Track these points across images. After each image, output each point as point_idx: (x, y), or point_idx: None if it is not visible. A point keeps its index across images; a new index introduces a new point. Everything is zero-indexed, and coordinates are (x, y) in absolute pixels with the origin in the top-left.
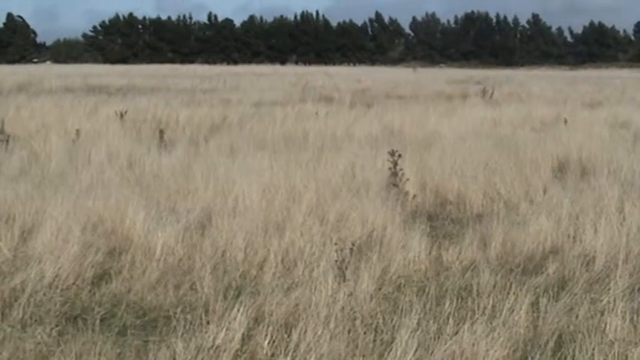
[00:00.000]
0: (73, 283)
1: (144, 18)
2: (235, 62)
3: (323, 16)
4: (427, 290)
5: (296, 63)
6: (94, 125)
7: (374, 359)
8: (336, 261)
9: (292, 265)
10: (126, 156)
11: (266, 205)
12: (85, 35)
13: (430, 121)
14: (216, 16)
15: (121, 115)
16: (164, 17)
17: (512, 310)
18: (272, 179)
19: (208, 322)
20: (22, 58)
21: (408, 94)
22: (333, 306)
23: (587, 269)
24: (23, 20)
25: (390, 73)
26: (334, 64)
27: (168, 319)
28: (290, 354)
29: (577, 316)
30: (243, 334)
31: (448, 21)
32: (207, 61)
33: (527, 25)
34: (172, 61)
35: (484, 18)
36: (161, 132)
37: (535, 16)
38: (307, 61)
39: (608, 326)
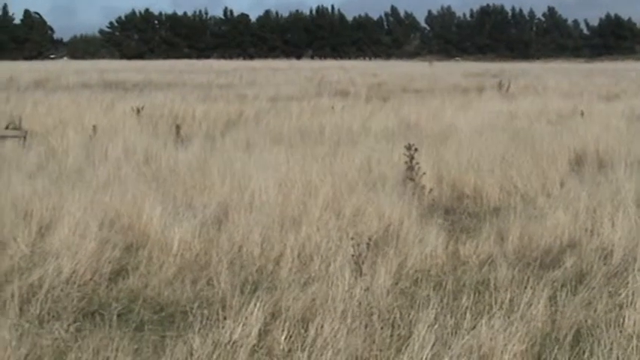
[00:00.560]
0: (91, 279)
1: (160, 13)
2: (251, 57)
3: (338, 10)
4: (444, 285)
5: (312, 57)
6: (110, 121)
7: (391, 354)
8: (353, 255)
9: (309, 259)
10: (142, 151)
11: (282, 199)
12: (101, 31)
13: (446, 115)
14: (231, 11)
15: (138, 111)
16: (180, 13)
17: (530, 305)
18: (288, 174)
19: (225, 318)
20: (39, 54)
21: (424, 87)
22: (349, 301)
23: (605, 263)
24: (40, 17)
25: (406, 66)
26: (350, 58)
27: (185, 315)
28: (307, 349)
29: (595, 310)
30: (259, 329)
31: (464, 14)
32: (223, 56)
33: (542, 18)
34: (188, 56)
35: (500, 11)
36: (177, 127)
37: (551, 9)
38: (323, 56)
39: (626, 320)
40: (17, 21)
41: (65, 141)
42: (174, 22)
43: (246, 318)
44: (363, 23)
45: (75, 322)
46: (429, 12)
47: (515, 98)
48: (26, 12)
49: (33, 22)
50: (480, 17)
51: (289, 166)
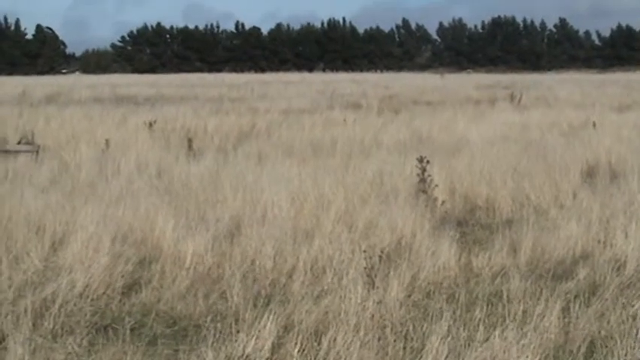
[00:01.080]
0: (104, 293)
1: (171, 27)
2: (263, 70)
3: (350, 23)
4: (457, 297)
5: (323, 70)
6: (123, 135)
7: None
8: (365, 268)
9: (321, 272)
10: (155, 165)
11: (295, 213)
12: (113, 45)
13: (458, 127)
14: (243, 25)
15: (150, 125)
16: (192, 26)
17: (543, 316)
18: (300, 187)
19: (238, 331)
20: (51, 69)
21: (435, 99)
22: (362, 314)
23: (618, 274)
24: (52, 32)
25: (418, 79)
26: (361, 70)
27: (199, 328)
28: None
29: (608, 322)
30: (273, 343)
31: (475, 26)
32: (234, 70)
33: (554, 29)
34: (200, 70)
35: (511, 22)
36: (189, 141)
37: (562, 20)
38: (334, 69)
39: None
40: (29, 36)
41: (78, 155)
42: (185, 36)
43: (259, 331)
44: (374, 36)
45: (88, 336)
46: (441, 24)
47: (527, 110)
48: (38, 27)
49: (45, 37)
50: (491, 29)
51: (301, 179)
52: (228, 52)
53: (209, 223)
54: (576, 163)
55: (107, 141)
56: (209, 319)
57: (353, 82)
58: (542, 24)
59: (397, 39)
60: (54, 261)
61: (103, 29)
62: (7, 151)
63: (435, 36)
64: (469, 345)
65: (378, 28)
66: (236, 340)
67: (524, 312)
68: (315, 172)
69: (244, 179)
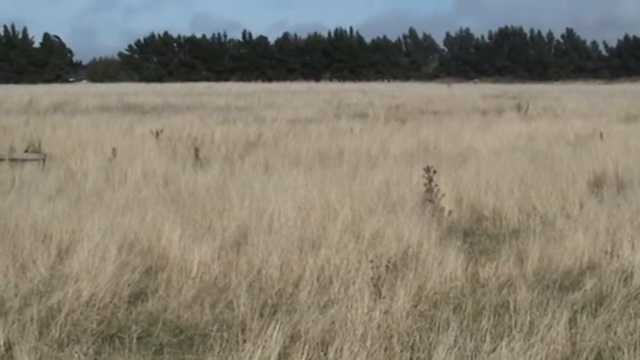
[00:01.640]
0: (110, 302)
1: (179, 36)
2: (270, 79)
3: (357, 32)
4: (464, 307)
5: (330, 80)
6: (129, 144)
7: None
8: (372, 278)
9: (328, 282)
10: (161, 174)
11: (301, 222)
12: (120, 54)
13: (465, 137)
14: (250, 34)
15: (157, 134)
16: (199, 36)
17: (550, 327)
18: (307, 196)
19: (245, 341)
20: (58, 77)
21: (442, 109)
22: (369, 324)
23: (625, 285)
24: (60, 40)
25: (424, 88)
26: (368, 80)
27: (205, 338)
28: None
29: (615, 333)
30: (279, 353)
31: (482, 36)
32: (241, 79)
33: (561, 40)
34: (207, 79)
35: (518, 33)
36: (196, 150)
37: (569, 31)
38: (341, 78)
39: None
40: (37, 44)
41: (84, 164)
42: (193, 45)
43: (266, 341)
44: (381, 45)
45: (94, 345)
46: (448, 34)
47: (533, 120)
48: (45, 35)
49: (52, 45)
50: (498, 39)
51: (308, 189)
52: (235, 62)
53: (215, 232)
54: (583, 173)
55: (114, 150)
56: (215, 328)
57: (360, 91)
58: (550, 34)
59: (404, 49)
60: (60, 270)
61: (111, 38)
62: (14, 160)
63: (442, 46)
64: (476, 356)
65: (385, 37)
66: (242, 350)
67: (531, 323)
68: (321, 181)
69: (251, 188)
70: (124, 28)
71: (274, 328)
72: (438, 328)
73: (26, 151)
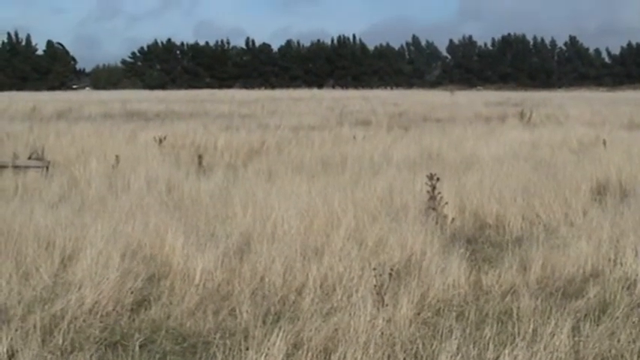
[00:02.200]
0: (113, 310)
1: (182, 44)
2: (273, 87)
3: (360, 39)
4: (467, 315)
5: (333, 87)
6: (133, 151)
7: None
8: (375, 286)
9: (331, 290)
10: (165, 181)
11: (304, 229)
12: (124, 61)
13: (468, 144)
14: (253, 41)
15: (160, 141)
16: (202, 43)
17: (553, 335)
18: (310, 204)
19: (247, 348)
20: (61, 84)
21: (445, 116)
22: (372, 331)
23: (628, 293)
24: (63, 47)
25: (427, 96)
26: (371, 87)
27: (208, 345)
28: None
29: (619, 341)
30: None
31: (485, 44)
32: (244, 86)
33: (564, 47)
34: (210, 86)
35: (521, 40)
36: (199, 157)
37: (572, 38)
38: (344, 85)
39: None
40: (40, 52)
41: (88, 171)
42: (196, 52)
43: (269, 349)
44: (384, 52)
45: (97, 353)
46: (451, 41)
47: (537, 127)
48: (49, 43)
49: (56, 52)
50: (501, 46)
51: (311, 196)
52: (238, 69)
53: (219, 239)
54: (586, 181)
55: (117, 157)
56: (218, 335)
57: (363, 98)
58: (553, 42)
59: (407, 56)
60: (63, 277)
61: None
62: (17, 167)
63: (445, 53)
64: None
65: (388, 45)
66: (245, 358)
67: (534, 330)
68: (324, 188)
69: (254, 196)
70: (127, 36)
71: (277, 335)
72: (441, 336)
73: (29, 158)
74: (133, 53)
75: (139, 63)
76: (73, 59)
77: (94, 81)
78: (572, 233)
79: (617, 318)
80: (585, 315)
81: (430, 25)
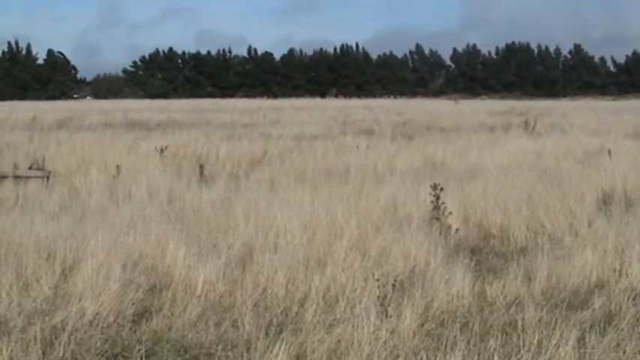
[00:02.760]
0: (114, 321)
1: (183, 53)
2: (275, 96)
3: (363, 48)
4: (471, 326)
5: (336, 96)
6: (134, 161)
7: None
8: (379, 297)
9: (334, 301)
10: (166, 191)
11: (307, 240)
12: (125, 70)
13: (472, 153)
14: (255, 50)
15: (161, 151)
16: (204, 52)
17: (558, 346)
18: (313, 214)
19: None
20: (62, 94)
21: (449, 126)
22: (375, 343)
23: (634, 303)
24: (64, 56)
25: (431, 105)
26: (374, 96)
27: (210, 357)
28: None
29: (624, 352)
30: None
31: (489, 52)
32: (247, 95)
33: (569, 56)
34: (212, 95)
35: (525, 48)
36: (201, 167)
37: (577, 46)
38: (347, 94)
39: None
40: (40, 61)
41: (88, 181)
42: (197, 61)
43: None
44: (387, 61)
45: None
46: (455, 50)
47: (541, 136)
48: (49, 52)
49: (56, 61)
50: (505, 55)
51: (314, 206)
52: (240, 78)
53: (221, 250)
54: (591, 190)
55: (118, 167)
56: (220, 347)
57: (366, 108)
58: (557, 50)
59: (411, 65)
60: (64, 288)
61: (115, 54)
62: (17, 177)
63: (448, 62)
64: None
65: (391, 53)
66: None
67: (540, 342)
68: (327, 198)
69: (256, 206)
70: (129, 45)
71: (280, 347)
72: (445, 348)
73: (30, 168)
74: (135, 62)
75: (141, 72)
76: (74, 68)
77: (94, 90)
78: (577, 243)
79: (623, 329)
80: (591, 326)
81: (434, 34)
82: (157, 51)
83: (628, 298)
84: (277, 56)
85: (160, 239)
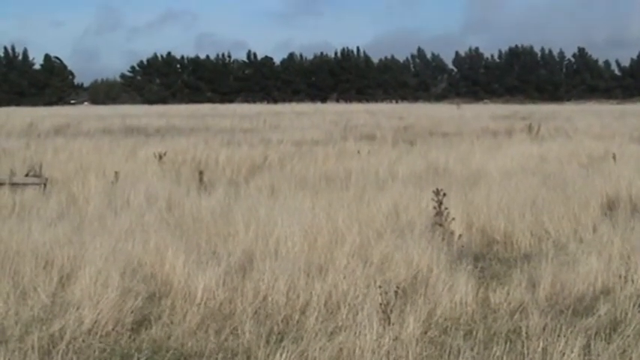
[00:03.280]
0: (113, 329)
1: (182, 57)
2: (275, 101)
3: (364, 52)
4: (475, 333)
5: (337, 101)
6: (132, 167)
7: None
8: (381, 304)
9: (336, 308)
10: (165, 198)
11: (308, 247)
12: (123, 75)
13: (475, 158)
14: (255, 54)
15: (160, 157)
16: (203, 56)
17: (564, 354)
18: (314, 220)
19: None
20: (59, 99)
21: (451, 130)
22: (378, 351)
23: (639, 310)
24: (61, 61)
25: (433, 109)
26: (376, 101)
27: None
28: None
29: (631, 359)
30: None
31: (492, 56)
32: (246, 100)
33: (572, 59)
34: (211, 100)
35: (529, 52)
36: (200, 173)
37: (581, 50)
38: (348, 99)
39: None
40: (37, 66)
41: (86, 188)
42: (196, 65)
43: None
44: (389, 65)
45: None
46: (457, 53)
47: (545, 141)
48: (46, 57)
49: (53, 67)
50: (508, 58)
51: (315, 213)
52: (239, 82)
53: (220, 257)
54: (596, 195)
55: (116, 173)
56: (220, 356)
57: (367, 112)
58: (561, 53)
59: (412, 69)
60: (62, 296)
61: (113, 59)
62: (14, 184)
63: (451, 66)
64: None
65: (392, 57)
66: None
67: (544, 349)
68: (328, 205)
69: (256, 212)
70: (127, 49)
71: (281, 355)
72: (449, 355)
73: (27, 175)
74: (133, 67)
75: (139, 77)
76: (71, 74)
77: (92, 96)
78: (581, 249)
79: (629, 336)
80: (596, 333)
81: (436, 37)
82: (156, 56)
83: (634, 305)
84: (277, 61)
85: (159, 246)
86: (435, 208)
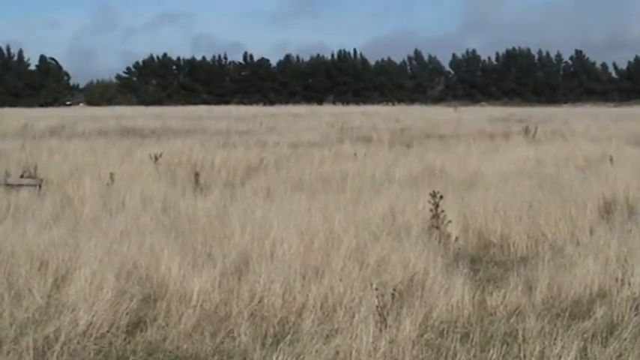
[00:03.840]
0: (108, 331)
1: (178, 59)
2: (271, 102)
3: (361, 54)
4: (471, 336)
5: (333, 103)
6: (128, 169)
7: None
8: (377, 306)
9: (332, 311)
10: (160, 200)
11: (304, 249)
12: (118, 76)
13: (472, 161)
14: (251, 56)
15: (156, 158)
16: (199, 57)
17: (560, 357)
18: (310, 222)
19: None
20: (55, 100)
21: (448, 133)
22: (374, 353)
23: (636, 313)
24: (56, 62)
25: (430, 112)
26: (372, 103)
27: None
28: None
29: None
30: None
31: (489, 58)
32: (242, 102)
33: (570, 61)
34: (207, 102)
35: (526, 54)
36: (196, 175)
37: (578, 52)
38: (345, 101)
39: None
40: (32, 67)
41: (81, 189)
42: (192, 67)
43: None
44: (385, 67)
45: None
46: (454, 56)
47: (542, 143)
48: (42, 57)
49: (49, 67)
50: (505, 61)
51: (311, 215)
52: (236, 84)
53: (216, 259)
54: (593, 198)
55: (111, 175)
56: (216, 358)
57: (363, 114)
58: (558, 56)
59: (409, 71)
60: (57, 298)
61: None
62: (9, 185)
63: (448, 68)
64: None
65: (389, 59)
66: None
67: (541, 352)
68: (324, 207)
69: (252, 214)
70: (123, 50)
71: (277, 358)
72: (445, 358)
73: (22, 176)
74: (128, 68)
75: (135, 78)
76: (67, 75)
77: (88, 97)
78: (578, 252)
79: (626, 339)
80: (593, 336)
81: (433, 39)
82: (152, 57)
83: (630, 308)
84: (274, 62)
85: (155, 248)
86: (431, 210)
